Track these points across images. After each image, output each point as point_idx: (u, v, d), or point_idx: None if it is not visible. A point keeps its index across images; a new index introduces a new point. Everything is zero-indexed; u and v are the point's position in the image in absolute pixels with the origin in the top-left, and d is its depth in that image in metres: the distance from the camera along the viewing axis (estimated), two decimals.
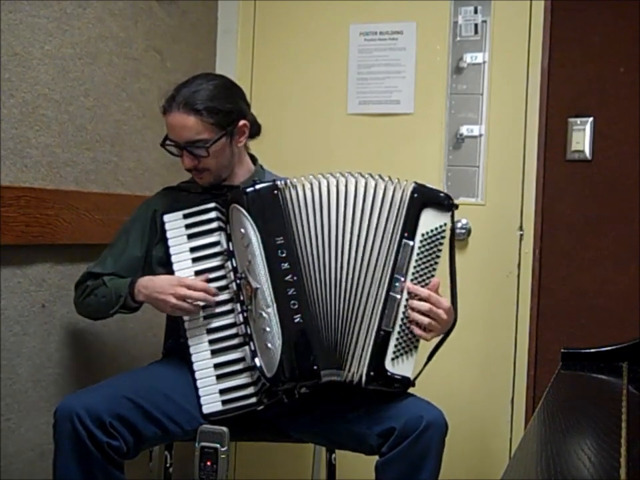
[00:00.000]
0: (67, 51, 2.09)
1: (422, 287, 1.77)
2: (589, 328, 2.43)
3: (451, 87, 2.63)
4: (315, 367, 1.75)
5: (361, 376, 1.77)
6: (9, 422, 1.96)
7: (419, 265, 1.78)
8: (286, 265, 1.77)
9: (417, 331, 1.76)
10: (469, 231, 2.59)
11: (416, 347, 1.79)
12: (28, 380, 2.02)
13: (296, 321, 1.76)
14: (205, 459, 1.61)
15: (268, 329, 1.75)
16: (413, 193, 1.79)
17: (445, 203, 1.79)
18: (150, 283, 1.87)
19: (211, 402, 1.81)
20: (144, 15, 2.41)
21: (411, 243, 1.77)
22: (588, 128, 2.45)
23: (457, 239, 2.59)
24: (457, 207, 1.81)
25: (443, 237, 1.79)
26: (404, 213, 1.78)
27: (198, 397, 1.81)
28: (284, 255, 1.77)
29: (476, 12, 2.60)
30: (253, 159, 2.06)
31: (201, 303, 1.83)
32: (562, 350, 1.96)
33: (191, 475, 1.67)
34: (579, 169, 2.46)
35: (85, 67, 2.16)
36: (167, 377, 1.86)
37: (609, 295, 2.42)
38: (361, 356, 1.78)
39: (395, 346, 1.77)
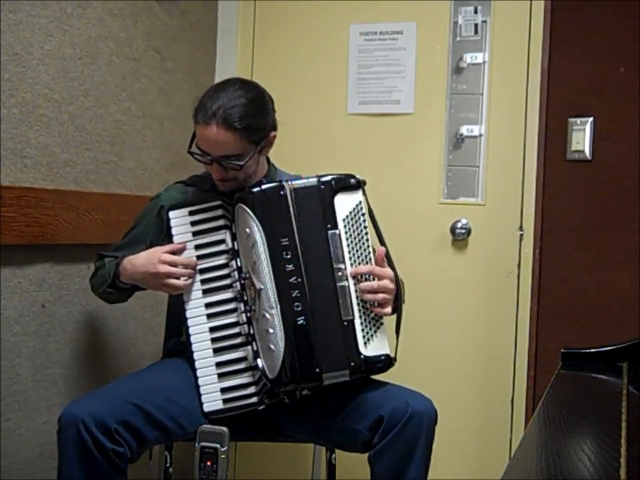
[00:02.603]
0: (66, 51, 2.09)
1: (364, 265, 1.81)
2: (589, 328, 2.43)
3: (451, 86, 2.63)
4: (318, 370, 1.76)
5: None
6: (8, 422, 1.96)
7: (353, 248, 1.81)
8: (290, 267, 1.77)
9: (377, 310, 1.80)
10: (468, 231, 2.59)
11: (382, 323, 1.82)
12: (28, 380, 2.02)
13: (299, 323, 1.76)
14: (205, 459, 1.61)
15: (271, 331, 1.75)
16: (319, 185, 1.82)
17: (352, 184, 1.84)
18: (129, 264, 1.87)
19: (211, 400, 1.81)
20: (144, 14, 2.41)
21: (336, 231, 1.80)
22: (588, 128, 2.45)
23: (457, 239, 2.60)
24: (364, 182, 1.85)
25: (363, 214, 1.83)
26: (319, 206, 1.81)
27: (199, 395, 1.81)
28: (289, 256, 1.78)
29: (476, 12, 2.60)
30: (267, 159, 2.06)
31: (187, 279, 1.83)
32: (562, 350, 1.96)
33: (191, 475, 1.67)
34: (579, 169, 2.46)
35: (85, 67, 2.16)
36: (169, 377, 1.86)
37: (609, 295, 2.42)
38: (342, 352, 1.78)
39: (362, 330, 1.79)
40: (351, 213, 1.82)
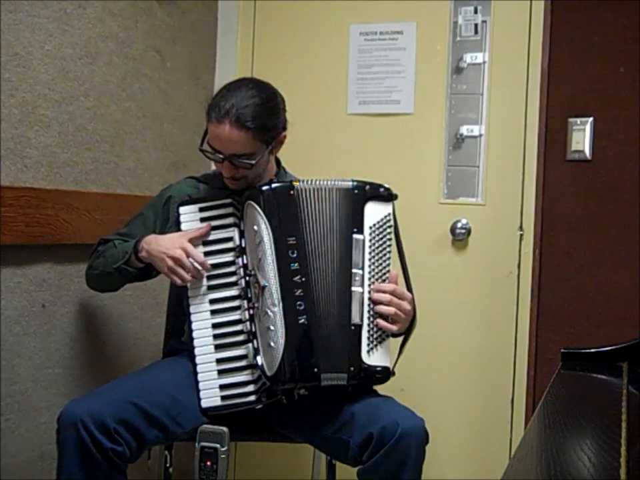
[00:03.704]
0: (66, 50, 2.09)
1: (381, 276, 1.82)
2: (589, 328, 2.43)
3: (451, 86, 2.63)
4: (316, 370, 1.76)
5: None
6: (8, 422, 1.96)
7: (373, 256, 1.82)
8: (295, 266, 1.78)
9: (383, 323, 1.80)
10: (469, 231, 2.59)
11: (388, 336, 1.82)
12: (28, 380, 2.02)
13: (300, 321, 1.76)
14: (204, 459, 1.61)
15: (272, 328, 1.76)
16: (353, 190, 1.83)
17: (384, 195, 1.85)
18: (154, 239, 1.88)
19: (210, 396, 1.81)
20: (144, 14, 2.41)
21: (361, 237, 1.82)
22: (588, 128, 2.45)
23: (457, 239, 2.60)
24: (396, 196, 1.86)
25: (389, 227, 1.84)
26: (350, 210, 1.83)
27: (197, 391, 1.81)
28: (295, 255, 1.78)
29: (476, 12, 2.60)
30: (277, 161, 2.06)
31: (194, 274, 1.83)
32: (562, 350, 1.96)
33: (191, 475, 1.67)
34: (579, 169, 2.46)
35: (85, 67, 2.16)
36: (169, 376, 1.86)
37: (609, 295, 2.42)
38: (344, 355, 1.78)
39: (367, 338, 1.79)
40: (378, 222, 1.83)
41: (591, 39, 2.45)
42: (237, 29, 2.83)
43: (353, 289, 1.79)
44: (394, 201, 1.86)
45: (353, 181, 1.85)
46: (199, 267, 1.83)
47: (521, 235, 2.55)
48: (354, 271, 1.80)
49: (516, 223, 2.56)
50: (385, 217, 1.84)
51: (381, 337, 1.80)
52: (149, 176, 2.46)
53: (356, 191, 1.83)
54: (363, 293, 1.80)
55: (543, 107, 2.49)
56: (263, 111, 1.83)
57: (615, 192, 2.42)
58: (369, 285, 1.80)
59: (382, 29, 2.69)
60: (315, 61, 2.77)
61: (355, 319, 1.79)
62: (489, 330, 2.58)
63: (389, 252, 1.84)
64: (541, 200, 2.49)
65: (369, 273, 1.81)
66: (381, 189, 1.85)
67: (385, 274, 1.82)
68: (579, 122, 2.46)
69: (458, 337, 2.61)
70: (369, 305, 1.80)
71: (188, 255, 1.83)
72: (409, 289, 1.89)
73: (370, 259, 1.81)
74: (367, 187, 1.85)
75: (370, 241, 1.82)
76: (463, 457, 2.59)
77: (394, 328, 1.81)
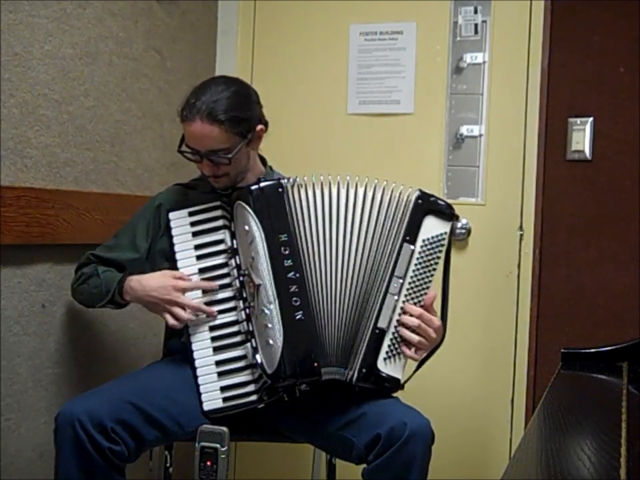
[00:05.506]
0: (66, 51, 2.09)
1: (419, 291, 1.81)
2: (589, 328, 2.43)
3: (450, 86, 2.63)
4: (316, 364, 1.76)
5: (353, 373, 1.78)
6: (8, 422, 1.96)
7: (418, 270, 1.81)
8: (289, 262, 1.78)
9: (407, 351, 1.79)
10: (469, 231, 2.59)
11: None
12: (28, 380, 2.02)
13: (297, 317, 1.76)
14: (205, 459, 1.61)
15: (269, 326, 1.76)
16: (417, 199, 1.83)
17: (447, 212, 1.84)
18: (139, 285, 1.86)
19: (211, 399, 1.81)
20: (144, 15, 2.41)
21: (412, 247, 1.80)
22: (588, 128, 2.45)
23: (457, 239, 2.60)
24: (457, 217, 1.85)
25: (442, 245, 1.83)
26: (407, 218, 1.82)
27: (199, 394, 1.81)
28: (287, 252, 1.78)
29: (476, 12, 2.60)
30: (263, 161, 2.07)
31: (200, 314, 1.83)
32: (562, 350, 1.96)
33: (191, 475, 1.67)
34: (579, 169, 2.46)
35: (85, 67, 2.16)
36: (169, 376, 1.86)
37: (609, 295, 2.42)
38: (357, 353, 1.79)
39: (388, 346, 1.79)
40: (433, 237, 1.82)
41: (591, 38, 2.45)
42: (236, 29, 2.83)
43: (390, 293, 1.79)
44: (454, 222, 1.85)
45: (419, 190, 1.83)
46: (192, 305, 1.82)
47: (521, 235, 2.55)
48: (396, 276, 1.79)
49: (516, 223, 2.56)
50: (441, 234, 1.82)
51: (401, 348, 1.79)
52: (149, 176, 2.46)
53: (420, 201, 1.82)
54: (397, 301, 1.79)
55: (542, 107, 2.49)
56: (233, 104, 1.83)
57: (615, 192, 2.42)
58: (405, 296, 1.80)
59: (382, 29, 2.69)
60: (315, 60, 2.77)
61: (382, 323, 1.78)
62: (488, 330, 2.58)
63: (434, 270, 1.82)
64: (540, 200, 2.49)
65: (409, 284, 1.80)
66: (444, 206, 1.84)
67: (424, 289, 1.81)
68: (578, 122, 2.46)
69: (458, 337, 2.60)
70: (399, 315, 1.79)
71: (184, 291, 1.82)
72: (444, 315, 1.87)
73: (414, 271, 1.80)
74: (432, 198, 1.84)
75: (419, 254, 1.81)
76: (463, 456, 2.59)
77: (415, 356, 1.80)
